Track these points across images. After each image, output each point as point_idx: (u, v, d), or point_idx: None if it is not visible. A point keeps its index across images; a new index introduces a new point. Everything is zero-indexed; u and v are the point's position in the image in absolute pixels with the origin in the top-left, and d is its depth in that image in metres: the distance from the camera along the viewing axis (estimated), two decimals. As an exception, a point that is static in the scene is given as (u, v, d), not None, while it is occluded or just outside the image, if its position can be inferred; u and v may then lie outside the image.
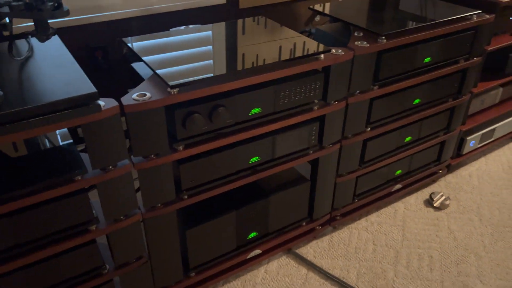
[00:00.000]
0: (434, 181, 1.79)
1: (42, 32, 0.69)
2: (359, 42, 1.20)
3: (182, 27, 1.31)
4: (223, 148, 1.08)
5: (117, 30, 1.59)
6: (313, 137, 1.24)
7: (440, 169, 1.76)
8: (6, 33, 0.83)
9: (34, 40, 1.00)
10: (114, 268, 1.07)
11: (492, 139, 1.91)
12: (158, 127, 0.94)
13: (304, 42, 1.16)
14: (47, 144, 1.01)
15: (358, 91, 1.26)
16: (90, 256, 1.01)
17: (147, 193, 1.02)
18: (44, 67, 0.89)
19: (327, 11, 1.45)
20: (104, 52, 1.60)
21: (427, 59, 1.35)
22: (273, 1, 1.89)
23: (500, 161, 1.92)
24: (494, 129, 1.87)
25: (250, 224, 1.28)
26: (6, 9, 0.68)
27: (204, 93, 0.96)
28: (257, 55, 1.08)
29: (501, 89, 1.84)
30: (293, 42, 1.16)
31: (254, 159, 1.15)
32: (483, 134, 1.83)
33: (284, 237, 1.39)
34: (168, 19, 1.68)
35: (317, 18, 1.61)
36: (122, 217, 1.00)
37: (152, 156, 0.98)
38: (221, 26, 1.30)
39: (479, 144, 1.85)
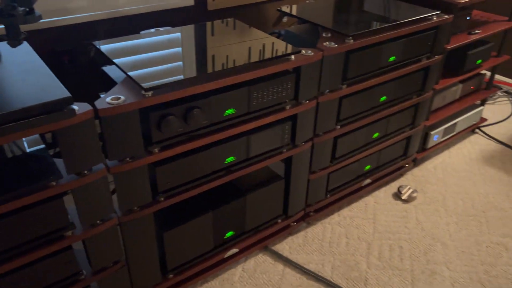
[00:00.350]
0: (401, 175, 1.86)
1: (14, 38, 0.69)
2: (327, 43, 1.24)
3: (153, 30, 1.31)
4: (199, 149, 1.09)
5: (84, 33, 1.57)
6: (286, 136, 1.27)
7: (407, 163, 1.83)
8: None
9: (1, 45, 0.98)
10: (92, 273, 1.06)
11: (454, 132, 2.00)
12: (132, 130, 0.95)
13: (274, 44, 1.19)
14: (18, 149, 1.00)
15: (327, 90, 1.30)
16: (67, 262, 0.99)
17: (123, 197, 1.02)
18: (15, 73, 0.88)
19: (295, 12, 1.48)
20: (71, 56, 1.57)
21: (391, 58, 1.41)
22: (241, 2, 1.91)
23: (462, 154, 2.02)
24: (455, 123, 1.96)
25: (226, 224, 1.30)
26: (-25, 15, 0.67)
27: (179, 95, 0.97)
28: (229, 57, 1.10)
29: (460, 85, 1.93)
30: (263, 43, 1.19)
31: (230, 159, 1.16)
32: (445, 128, 1.92)
33: (261, 235, 1.41)
34: (136, 21, 1.67)
35: (285, 19, 1.65)
36: (98, 222, 1.00)
37: (128, 159, 0.98)
38: (191, 28, 1.31)
39: (442, 138, 1.94)
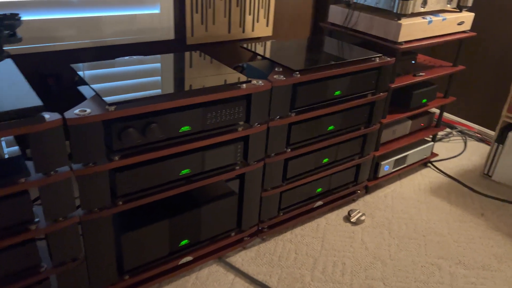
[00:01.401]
0: (354, 200, 2.02)
1: (-2, 54, 0.86)
2: (277, 75, 1.43)
3: (127, 57, 1.49)
4: (156, 160, 1.25)
5: (70, 59, 1.75)
6: (239, 154, 1.43)
7: (358, 190, 2.00)
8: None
9: (-11, 62, 1.14)
10: (52, 267, 1.18)
11: (405, 164, 2.18)
12: (96, 138, 1.10)
13: (230, 74, 1.37)
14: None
15: (278, 117, 1.48)
16: (29, 254, 1.12)
17: (84, 198, 1.16)
18: (1, 84, 1.04)
19: (257, 50, 1.69)
20: (56, 79, 1.74)
21: (337, 92, 1.61)
22: (216, 40, 2.13)
23: (413, 184, 2.19)
24: (406, 156, 2.15)
25: (182, 232, 1.43)
26: (-32, 34, 0.84)
27: (138, 111, 1.14)
28: (188, 82, 1.28)
29: (410, 121, 2.13)
30: (222, 73, 1.37)
31: (185, 171, 1.32)
32: (396, 160, 2.10)
33: (215, 246, 1.55)
34: (120, 51, 1.87)
35: (259, 57, 1.85)
36: (61, 219, 1.13)
37: (90, 164, 1.13)
38: (160, 57, 1.49)
39: (393, 168, 2.12)
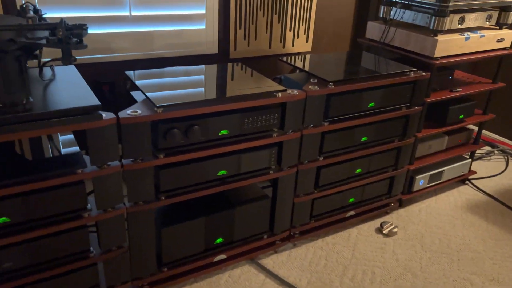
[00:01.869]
0: (387, 213, 2.04)
1: (67, 59, 1.00)
2: (312, 86, 1.52)
3: (174, 67, 1.63)
4: (196, 160, 1.36)
5: (123, 69, 1.92)
6: (273, 159, 1.52)
7: (392, 202, 2.02)
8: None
9: (57, 68, 1.31)
10: (100, 253, 1.30)
11: (441, 180, 2.18)
12: (144, 137, 1.23)
13: (268, 84, 1.47)
14: (56, 150, 1.29)
15: (311, 125, 1.55)
16: (81, 239, 1.25)
17: (131, 191, 1.28)
18: (63, 86, 1.19)
19: (295, 63, 1.78)
20: (110, 87, 1.92)
21: (371, 104, 1.66)
22: (257, 54, 2.25)
23: (449, 201, 2.18)
24: (442, 171, 2.15)
25: (217, 230, 1.52)
26: (43, 41, 0.99)
27: (182, 113, 1.25)
28: (229, 89, 1.39)
29: (447, 137, 2.13)
30: (260, 83, 1.47)
31: (222, 172, 1.42)
32: (431, 175, 2.10)
33: (247, 247, 1.62)
34: (168, 63, 2.02)
35: (297, 71, 1.95)
36: (110, 209, 1.26)
37: (139, 160, 1.25)
38: (204, 67, 1.62)
39: (428, 183, 2.12)
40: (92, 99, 1.12)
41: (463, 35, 1.85)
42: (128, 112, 1.20)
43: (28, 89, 1.04)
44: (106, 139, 1.16)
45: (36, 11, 1.19)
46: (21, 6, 1.19)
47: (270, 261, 1.69)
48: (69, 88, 1.19)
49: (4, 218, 1.10)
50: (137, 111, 1.21)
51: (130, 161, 1.24)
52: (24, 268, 1.19)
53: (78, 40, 1.00)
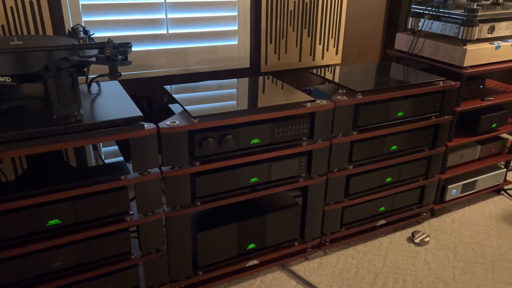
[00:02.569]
0: (419, 222, 2.04)
1: (114, 75, 1.10)
2: (340, 96, 1.57)
3: (209, 81, 1.73)
4: (229, 167, 1.43)
5: (160, 83, 2.04)
6: (303, 167, 1.57)
7: (423, 212, 2.01)
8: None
9: (102, 83, 1.42)
10: (140, 255, 1.39)
11: (475, 190, 2.15)
12: (182, 146, 1.31)
13: (297, 95, 1.54)
14: (102, 158, 1.40)
15: (340, 134, 1.60)
16: (123, 241, 1.34)
17: (170, 196, 1.36)
18: (108, 100, 1.30)
19: (323, 75, 1.84)
20: (148, 101, 2.03)
21: (400, 113, 1.69)
22: (287, 67, 2.32)
23: (483, 211, 2.15)
24: (475, 181, 2.13)
25: (249, 236, 1.58)
26: (93, 59, 1.10)
27: (217, 123, 1.33)
28: (259, 100, 1.46)
29: (479, 146, 2.12)
30: (290, 94, 1.54)
31: (254, 179, 1.48)
32: (464, 184, 2.09)
33: (279, 253, 1.67)
34: (203, 77, 2.12)
35: (326, 83, 2.00)
36: (150, 213, 1.35)
37: (176, 167, 1.34)
38: (237, 80, 1.70)
39: (461, 193, 2.11)
40: (135, 111, 1.22)
41: (493, 44, 1.86)
42: (167, 122, 1.30)
43: (79, 103, 1.15)
44: (147, 147, 1.25)
45: (85, 32, 1.32)
46: (72, 27, 1.32)
47: (301, 267, 1.73)
48: (114, 101, 1.30)
49: (56, 220, 1.21)
50: (175, 122, 1.30)
51: (169, 169, 1.33)
52: (71, 268, 1.29)
53: (123, 57, 1.10)
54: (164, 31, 1.99)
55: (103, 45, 1.08)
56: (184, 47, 2.04)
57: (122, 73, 1.90)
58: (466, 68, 1.80)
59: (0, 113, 1.18)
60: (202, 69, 2.12)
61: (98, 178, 1.22)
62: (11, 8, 1.62)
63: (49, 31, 1.71)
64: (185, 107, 1.38)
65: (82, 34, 1.24)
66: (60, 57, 1.11)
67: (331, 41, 2.41)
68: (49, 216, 1.19)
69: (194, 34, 2.04)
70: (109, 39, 1.09)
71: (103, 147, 1.54)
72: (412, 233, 1.92)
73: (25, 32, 1.68)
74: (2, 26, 1.65)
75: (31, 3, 1.64)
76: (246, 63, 2.23)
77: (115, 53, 1.09)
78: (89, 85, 1.35)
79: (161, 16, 1.93)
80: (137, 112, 1.21)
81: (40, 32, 1.70)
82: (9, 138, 1.06)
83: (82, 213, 1.23)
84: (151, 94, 2.03)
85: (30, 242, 1.19)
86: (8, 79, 1.10)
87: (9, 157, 1.07)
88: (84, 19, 1.75)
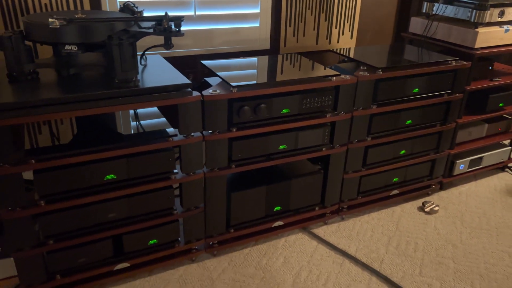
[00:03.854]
0: (428, 194, 2.19)
1: (168, 45, 1.25)
2: (362, 72, 1.71)
3: (241, 58, 1.87)
4: (262, 134, 1.58)
5: (188, 62, 2.17)
6: (326, 137, 1.72)
7: (433, 184, 2.17)
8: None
9: (149, 57, 1.57)
10: (181, 211, 1.55)
11: (481, 166, 2.30)
12: (222, 112, 1.46)
13: (324, 70, 1.68)
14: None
15: (361, 107, 1.75)
16: (168, 197, 1.49)
17: (209, 158, 1.52)
18: (157, 70, 1.45)
19: (350, 54, 1.98)
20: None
21: (415, 90, 1.84)
22: (305, 50, 2.46)
23: (488, 186, 2.30)
24: (482, 157, 2.28)
25: (275, 199, 1.74)
26: (151, 30, 1.25)
27: (253, 93, 1.48)
28: (289, 74, 1.60)
29: (486, 125, 2.26)
30: (317, 69, 1.69)
31: (282, 146, 1.63)
32: (471, 160, 2.24)
33: (301, 216, 1.83)
34: (226, 57, 2.26)
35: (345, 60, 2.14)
36: (191, 173, 1.50)
37: (216, 132, 1.49)
38: (267, 57, 1.85)
39: (468, 168, 2.26)
40: (183, 79, 1.37)
41: (503, 27, 1.99)
42: (209, 91, 1.44)
43: (137, 70, 1.29)
44: (192, 112, 1.40)
45: (134, 8, 1.46)
46: (124, 4, 1.46)
47: (321, 231, 1.89)
48: (162, 71, 1.44)
49: (112, 175, 1.36)
50: (216, 91, 1.45)
51: (210, 133, 1.48)
52: (123, 219, 1.45)
53: (177, 29, 1.25)
54: (192, 13, 2.12)
55: (161, 17, 1.23)
56: (210, 28, 2.17)
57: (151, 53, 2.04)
58: (477, 49, 1.94)
59: (69, 77, 1.33)
60: (226, 50, 2.25)
61: (150, 139, 1.37)
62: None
63: (87, 8, 1.84)
64: (224, 78, 1.53)
65: (136, 9, 1.38)
66: (121, 28, 1.25)
67: (347, 25, 2.54)
68: (106, 171, 1.34)
69: (219, 16, 2.17)
70: (166, 13, 1.23)
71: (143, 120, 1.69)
72: (423, 203, 2.08)
73: (65, 9, 1.81)
74: (45, 4, 1.79)
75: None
76: (266, 45, 2.36)
77: (170, 25, 1.23)
78: (141, 56, 1.50)
79: (191, -2, 2.06)
80: (185, 80, 1.36)
81: (79, 8, 1.83)
82: (80, 98, 1.21)
83: (134, 170, 1.39)
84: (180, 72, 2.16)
85: (90, 194, 1.34)
86: (75, 47, 1.25)
87: (80, 115, 1.22)
88: (120, -1, 1.89)
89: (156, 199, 1.47)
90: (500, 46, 2.02)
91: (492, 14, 1.95)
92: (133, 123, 1.58)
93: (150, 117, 1.65)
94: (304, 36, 2.43)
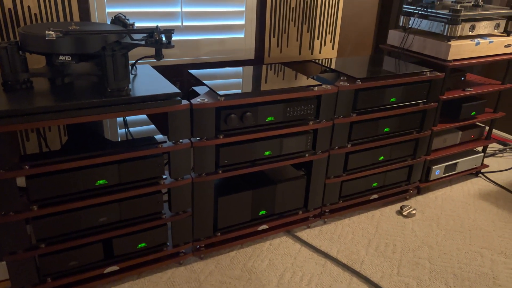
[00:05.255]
0: (406, 198, 2.30)
1: (159, 56, 1.31)
2: (342, 82, 1.80)
3: (226, 68, 1.94)
4: (248, 141, 1.65)
5: (175, 72, 2.24)
6: (309, 144, 1.80)
7: (411, 189, 2.27)
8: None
9: (139, 66, 1.63)
10: (170, 215, 1.60)
11: (456, 171, 2.42)
12: (209, 120, 1.53)
13: (306, 80, 1.77)
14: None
15: (342, 116, 1.84)
16: (157, 202, 1.55)
17: (197, 164, 1.58)
18: (147, 79, 1.51)
19: (331, 65, 2.07)
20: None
21: (393, 99, 1.94)
22: (288, 60, 2.55)
23: (463, 190, 2.42)
24: (456, 163, 2.39)
25: (261, 203, 1.81)
26: (142, 42, 1.31)
27: (239, 102, 1.55)
28: (274, 84, 1.68)
29: (460, 132, 2.39)
30: (300, 79, 1.77)
31: (267, 152, 1.71)
32: (446, 165, 2.35)
33: (285, 220, 1.90)
34: (212, 67, 2.33)
35: (327, 70, 2.23)
36: (180, 178, 1.56)
37: (204, 139, 1.55)
38: (252, 67, 1.92)
39: (444, 174, 2.37)
40: (173, 88, 1.43)
41: (474, 41, 2.12)
42: (198, 100, 1.51)
43: (128, 79, 1.35)
44: (181, 120, 1.47)
45: (126, 20, 1.52)
46: (115, 16, 1.52)
47: (304, 234, 1.97)
48: (153, 81, 1.51)
49: (103, 181, 1.41)
50: (204, 99, 1.52)
51: (198, 140, 1.55)
52: (113, 223, 1.50)
53: (167, 41, 1.32)
54: (179, 23, 2.19)
55: (152, 30, 1.29)
56: (197, 39, 2.24)
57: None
58: (450, 61, 2.06)
59: (63, 86, 1.38)
60: (211, 60, 2.33)
61: (140, 145, 1.43)
62: (49, -2, 1.81)
63: (76, 19, 1.89)
64: (211, 87, 1.60)
65: (127, 22, 1.44)
66: (114, 40, 1.31)
67: (328, 37, 2.65)
68: (98, 176, 1.39)
69: (205, 27, 2.24)
70: (157, 26, 1.30)
71: (130, 128, 1.74)
72: (401, 207, 2.18)
73: (55, 20, 1.86)
74: (35, 14, 1.84)
75: (66, -6, 1.83)
76: (251, 55, 2.45)
77: (161, 37, 1.30)
78: (132, 66, 1.56)
79: (177, 9, 2.13)
80: (175, 89, 1.43)
81: (68, 19, 1.88)
82: (73, 106, 1.26)
83: (125, 175, 1.44)
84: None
85: (82, 198, 1.39)
86: (68, 57, 1.31)
87: (74, 122, 1.27)
88: (108, 10, 1.94)
89: (145, 204, 1.52)
90: (472, 58, 2.14)
91: (463, 28, 2.08)
92: (120, 130, 1.64)
93: (137, 124, 1.71)
94: (287, 46, 2.52)
